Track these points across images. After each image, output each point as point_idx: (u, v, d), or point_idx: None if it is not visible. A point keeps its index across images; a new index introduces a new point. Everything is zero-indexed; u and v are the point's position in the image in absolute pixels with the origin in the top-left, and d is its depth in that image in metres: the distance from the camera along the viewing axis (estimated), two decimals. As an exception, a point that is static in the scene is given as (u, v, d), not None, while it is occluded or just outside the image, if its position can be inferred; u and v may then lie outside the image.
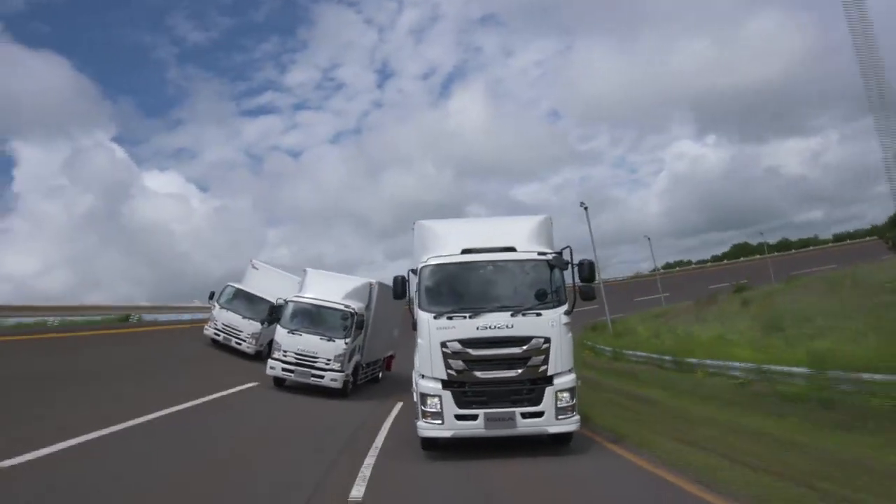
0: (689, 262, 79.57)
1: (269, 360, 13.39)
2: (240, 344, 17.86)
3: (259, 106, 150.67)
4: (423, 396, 7.57)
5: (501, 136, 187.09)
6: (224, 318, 18.19)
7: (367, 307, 14.55)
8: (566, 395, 7.46)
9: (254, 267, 19.39)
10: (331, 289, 14.03)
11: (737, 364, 13.44)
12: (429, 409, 7.50)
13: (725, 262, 71.84)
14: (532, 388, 7.44)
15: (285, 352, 13.19)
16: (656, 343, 20.76)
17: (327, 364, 13.09)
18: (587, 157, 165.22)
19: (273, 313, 17.15)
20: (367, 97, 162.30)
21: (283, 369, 13.16)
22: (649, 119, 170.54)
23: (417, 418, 7.68)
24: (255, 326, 17.82)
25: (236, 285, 18.75)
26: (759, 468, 6.57)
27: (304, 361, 13.12)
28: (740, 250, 76.24)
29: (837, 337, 13.13)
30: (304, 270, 15.06)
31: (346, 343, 13.18)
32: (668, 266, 73.48)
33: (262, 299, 17.91)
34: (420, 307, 7.85)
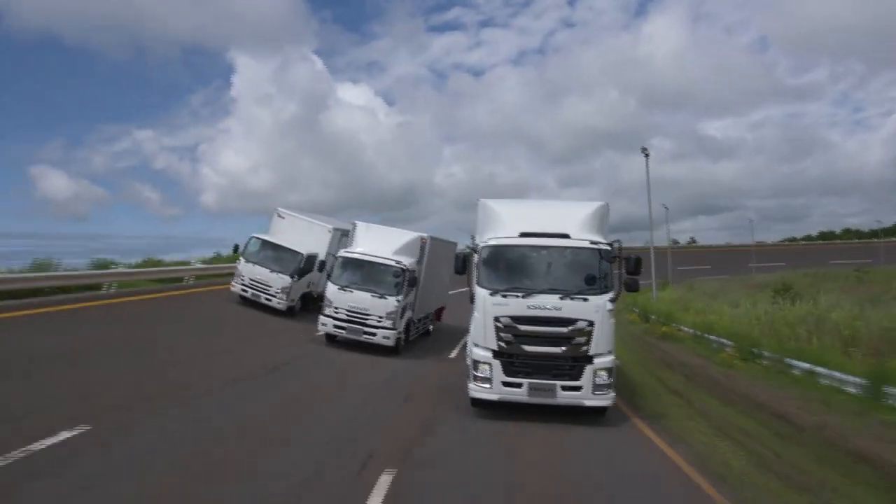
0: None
1: (321, 317, 13.31)
2: (269, 300, 16.51)
3: (446, 22, 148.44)
4: (476, 363, 8.40)
5: (696, 64, 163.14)
6: (251, 272, 16.75)
7: (419, 262, 14.27)
8: (604, 373, 8.18)
9: (279, 216, 17.83)
10: (381, 244, 13.72)
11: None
12: (480, 374, 8.35)
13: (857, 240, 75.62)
14: (573, 364, 8.17)
15: (336, 308, 13.11)
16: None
17: (379, 321, 13.00)
18: (798, 93, 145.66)
19: (306, 265, 16.64)
20: (555, 14, 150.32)
21: (335, 326, 13.14)
22: (885, 51, 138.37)
23: (469, 380, 8.58)
24: (284, 280, 16.45)
25: (262, 236, 17.29)
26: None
27: (356, 318, 13.05)
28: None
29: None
30: (354, 224, 14.66)
31: (397, 300, 13.04)
32: (825, 235, 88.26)
33: (290, 251, 16.75)
34: (478, 283, 8.56)
